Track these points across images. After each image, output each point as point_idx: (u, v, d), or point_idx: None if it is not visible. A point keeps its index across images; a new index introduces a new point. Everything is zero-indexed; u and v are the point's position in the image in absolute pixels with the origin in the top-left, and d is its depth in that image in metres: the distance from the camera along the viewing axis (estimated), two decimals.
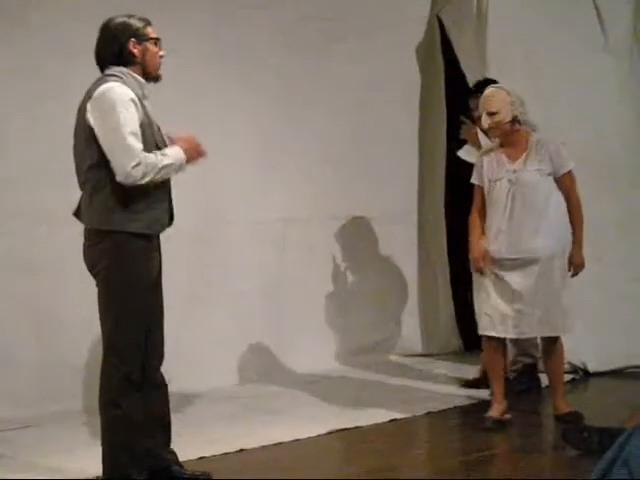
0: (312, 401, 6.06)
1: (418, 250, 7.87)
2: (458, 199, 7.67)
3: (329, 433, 5.23)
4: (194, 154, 4.20)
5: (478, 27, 6.97)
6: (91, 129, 4.01)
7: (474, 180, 5.44)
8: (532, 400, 6.05)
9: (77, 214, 4.18)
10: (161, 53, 4.24)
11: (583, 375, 6.60)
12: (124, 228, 4.01)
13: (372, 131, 7.33)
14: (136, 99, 4.05)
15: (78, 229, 4.22)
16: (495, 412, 5.34)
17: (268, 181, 6.90)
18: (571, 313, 5.33)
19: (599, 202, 6.68)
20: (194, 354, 6.47)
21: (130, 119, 3.98)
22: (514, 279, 5.24)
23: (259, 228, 6.82)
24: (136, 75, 4.16)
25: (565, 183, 5.29)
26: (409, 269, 7.75)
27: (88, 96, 4.06)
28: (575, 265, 5.30)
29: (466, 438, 5.35)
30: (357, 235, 7.26)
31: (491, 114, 5.20)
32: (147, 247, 4.11)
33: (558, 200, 5.27)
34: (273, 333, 6.83)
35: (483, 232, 5.37)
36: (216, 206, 6.55)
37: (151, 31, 4.21)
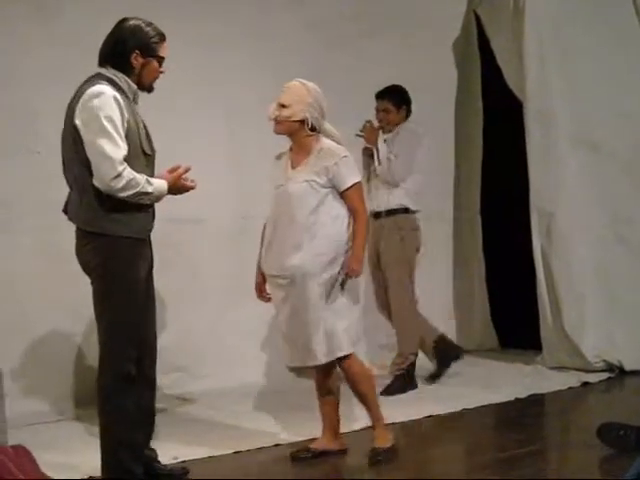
0: (344, 397, 6.06)
1: (454, 247, 7.86)
2: (494, 196, 7.68)
3: (362, 429, 5.23)
4: (176, 191, 4.19)
5: (515, 22, 6.93)
6: (78, 130, 4.01)
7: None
8: (567, 398, 6.01)
9: (66, 210, 4.20)
10: (161, 70, 4.22)
11: (619, 373, 6.54)
12: (111, 232, 4.03)
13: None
14: (122, 102, 4.02)
15: None
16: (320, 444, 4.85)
17: None
18: (338, 334, 4.56)
19: (631, 198, 6.66)
20: (228, 348, 6.53)
21: (113, 127, 3.95)
22: (278, 302, 4.68)
23: None
24: (130, 82, 4.15)
25: (347, 197, 4.63)
26: (444, 266, 7.74)
27: (78, 96, 4.04)
28: (348, 269, 4.56)
29: (501, 435, 5.33)
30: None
31: (282, 106, 4.63)
32: (135, 247, 4.12)
33: (331, 214, 4.59)
34: None
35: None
36: (254, 200, 6.57)
37: (162, 49, 4.18)
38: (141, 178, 3.98)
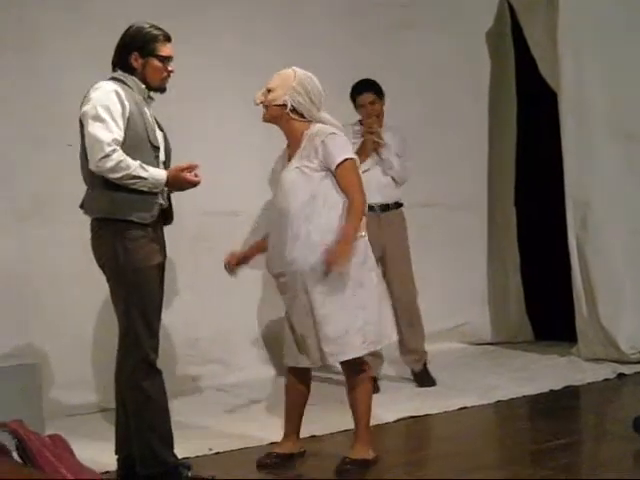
0: (385, 386, 6.11)
1: (488, 238, 7.83)
2: (529, 186, 7.65)
3: (398, 420, 5.25)
4: (179, 185, 4.16)
5: (549, 12, 6.88)
6: (81, 123, 4.14)
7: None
8: (602, 390, 5.99)
9: (82, 206, 4.28)
10: (170, 69, 4.26)
11: None
12: (119, 215, 4.09)
13: (441, 118, 7.31)
14: (124, 95, 4.11)
15: None
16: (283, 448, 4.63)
17: None
18: (349, 334, 4.30)
19: None
20: (263, 340, 6.58)
21: (108, 114, 4.03)
22: (289, 302, 4.42)
23: None
24: (138, 82, 4.24)
25: (340, 177, 4.32)
26: (479, 257, 7.72)
27: (84, 95, 4.19)
28: (326, 260, 4.22)
29: (535, 427, 5.33)
30: (426, 222, 7.22)
31: (268, 90, 4.40)
32: (145, 235, 4.15)
33: (327, 203, 4.32)
34: None
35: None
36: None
37: (162, 48, 4.23)
38: (133, 162, 4.02)
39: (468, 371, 6.50)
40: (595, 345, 6.69)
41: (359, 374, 4.42)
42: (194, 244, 6.26)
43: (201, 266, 6.25)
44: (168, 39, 4.27)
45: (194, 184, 4.15)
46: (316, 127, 4.41)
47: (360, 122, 6.20)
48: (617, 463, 4.38)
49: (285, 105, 4.37)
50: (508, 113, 7.73)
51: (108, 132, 4.02)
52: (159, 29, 4.26)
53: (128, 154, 4.03)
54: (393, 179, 6.19)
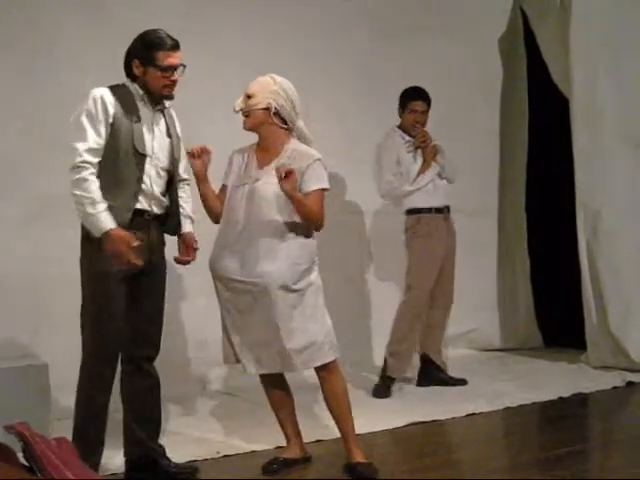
0: (394, 391, 6.13)
1: (498, 243, 7.83)
2: (540, 193, 7.64)
3: (406, 426, 5.24)
4: (112, 248, 4.05)
5: (561, 19, 6.89)
6: None
7: (224, 179, 4.51)
8: (611, 397, 5.97)
9: None
10: (173, 78, 4.22)
11: None
12: (85, 227, 4.14)
13: (453, 124, 7.29)
14: (112, 100, 4.13)
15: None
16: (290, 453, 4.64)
17: (350, 174, 6.95)
18: (318, 342, 4.32)
19: None
20: None
21: (90, 121, 4.09)
22: (242, 305, 4.36)
23: (343, 220, 6.87)
24: (139, 89, 4.24)
25: (309, 201, 4.29)
26: (489, 263, 7.71)
27: None
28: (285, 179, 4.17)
29: (543, 434, 5.32)
30: None
31: (248, 97, 4.35)
32: (99, 243, 4.12)
33: (302, 224, 4.34)
34: (360, 325, 6.96)
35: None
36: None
37: (163, 57, 4.18)
38: (94, 191, 4.03)
39: (477, 377, 6.48)
40: (604, 353, 6.68)
41: (334, 377, 4.41)
42: (206, 247, 6.25)
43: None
44: (173, 48, 4.21)
45: (125, 262, 4.05)
46: (297, 145, 4.39)
47: (399, 127, 6.30)
48: (626, 472, 4.36)
49: (269, 109, 4.33)
50: (520, 119, 7.72)
51: (83, 142, 4.07)
52: (166, 37, 4.21)
53: (109, 157, 4.07)
54: (447, 180, 6.33)
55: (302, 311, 4.31)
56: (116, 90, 4.19)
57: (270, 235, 4.28)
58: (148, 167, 4.21)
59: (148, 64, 4.20)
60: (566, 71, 6.85)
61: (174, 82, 4.25)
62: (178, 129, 4.46)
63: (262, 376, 4.53)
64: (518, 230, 7.79)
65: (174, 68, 4.22)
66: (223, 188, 4.49)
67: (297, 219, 4.30)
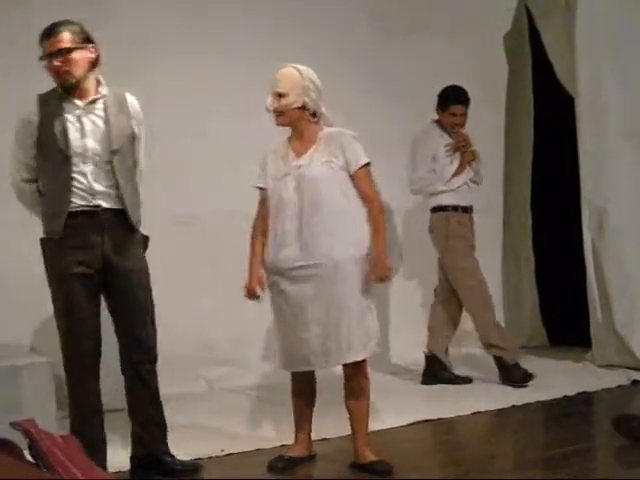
0: (400, 390, 6.15)
1: (503, 242, 7.82)
2: (545, 190, 7.63)
3: (414, 423, 5.24)
4: None
5: (566, 17, 6.87)
6: None
7: (257, 182, 4.49)
8: (616, 396, 5.96)
9: None
10: (55, 64, 4.13)
11: None
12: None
13: None
14: (30, 111, 4.17)
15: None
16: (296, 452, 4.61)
17: None
18: (372, 331, 4.34)
19: None
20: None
21: (14, 139, 4.21)
22: (304, 293, 4.28)
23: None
24: (59, 89, 4.22)
25: (359, 180, 4.33)
26: (494, 261, 7.69)
27: None
28: (377, 273, 4.27)
29: (549, 433, 5.32)
30: None
31: (279, 95, 4.32)
32: (56, 246, 4.17)
33: (353, 201, 4.33)
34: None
35: (263, 247, 4.44)
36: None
37: (44, 48, 4.14)
38: (34, 201, 4.28)
39: (482, 375, 6.47)
40: (609, 351, 6.66)
41: (361, 371, 4.38)
42: (211, 246, 6.26)
43: (217, 268, 6.24)
44: (47, 36, 4.13)
45: None
46: (328, 129, 4.41)
47: (436, 122, 6.36)
48: (630, 470, 4.36)
49: (304, 107, 4.33)
50: (525, 117, 7.71)
51: (12, 160, 4.22)
52: (46, 28, 4.15)
53: (41, 165, 4.15)
54: (476, 184, 6.47)
55: (364, 297, 4.30)
56: (44, 97, 4.20)
57: (327, 214, 4.25)
58: (82, 165, 4.12)
59: (41, 60, 4.16)
60: (571, 69, 6.83)
61: (59, 68, 4.12)
62: (134, 113, 4.31)
63: (293, 373, 4.50)
64: (523, 227, 7.78)
65: (51, 55, 4.11)
66: (263, 194, 4.47)
67: (353, 200, 4.31)
